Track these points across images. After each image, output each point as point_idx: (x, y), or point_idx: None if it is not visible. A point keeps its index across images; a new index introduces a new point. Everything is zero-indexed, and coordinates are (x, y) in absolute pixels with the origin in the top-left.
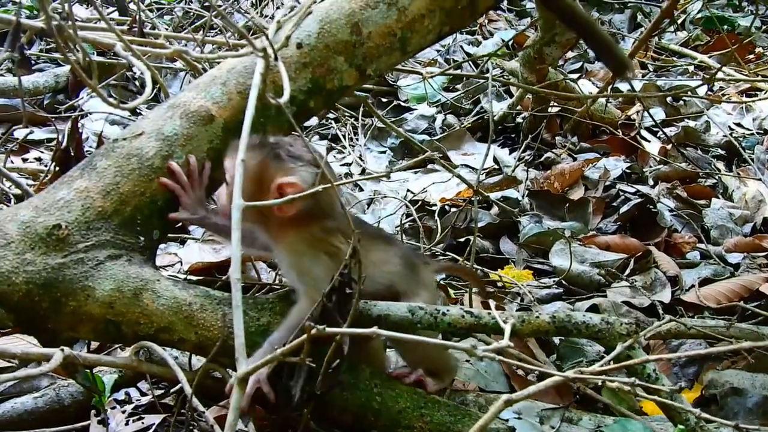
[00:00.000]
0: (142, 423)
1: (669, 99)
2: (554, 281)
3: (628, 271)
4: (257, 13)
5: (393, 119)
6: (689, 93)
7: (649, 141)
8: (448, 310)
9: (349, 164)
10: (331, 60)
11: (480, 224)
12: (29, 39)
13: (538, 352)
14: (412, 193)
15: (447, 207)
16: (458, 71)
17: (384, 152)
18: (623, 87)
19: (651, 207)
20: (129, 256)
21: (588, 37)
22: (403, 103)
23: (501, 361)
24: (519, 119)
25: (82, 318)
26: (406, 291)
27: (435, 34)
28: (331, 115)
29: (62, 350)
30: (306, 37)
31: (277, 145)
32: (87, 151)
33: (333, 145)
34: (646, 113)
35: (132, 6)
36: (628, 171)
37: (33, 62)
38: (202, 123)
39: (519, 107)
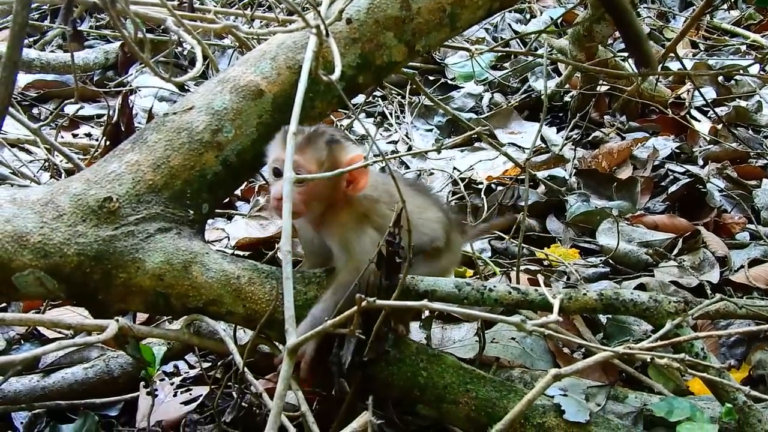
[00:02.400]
0: (190, 394)
1: (720, 78)
2: (601, 260)
3: (676, 251)
4: None
5: (440, 97)
6: (741, 72)
7: (699, 120)
8: (494, 287)
9: (395, 142)
10: (381, 35)
11: (521, 201)
12: (80, 15)
13: (584, 330)
14: (459, 171)
15: (493, 185)
16: (507, 49)
17: (430, 130)
18: (674, 66)
19: (700, 187)
20: (178, 229)
21: (622, 25)
22: (450, 81)
23: (548, 337)
24: (567, 98)
25: (133, 290)
26: (440, 248)
27: (485, 10)
28: (378, 93)
29: (116, 321)
30: (355, 12)
31: (325, 134)
32: (137, 126)
33: (379, 121)
34: (696, 92)
35: None
36: (677, 151)
37: (84, 38)
38: (251, 97)
39: (567, 86)
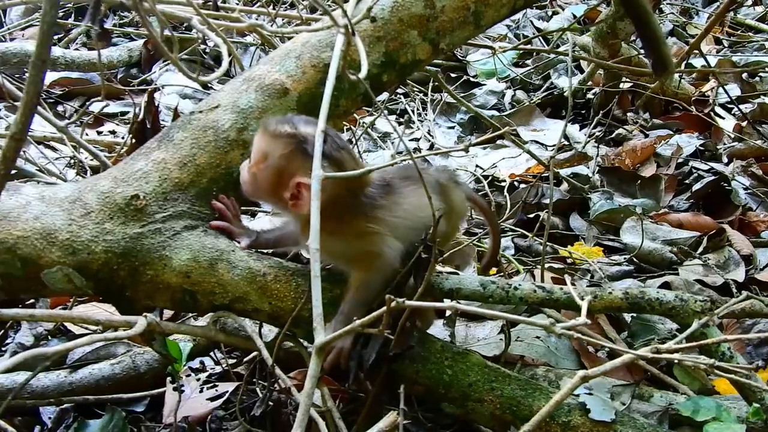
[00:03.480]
0: (216, 391)
1: (745, 75)
2: (625, 258)
3: (700, 250)
4: None
5: (462, 94)
6: (766, 69)
7: (723, 118)
8: (519, 285)
9: (417, 139)
10: (405, 34)
11: (546, 199)
12: (104, 14)
13: (608, 329)
14: (482, 168)
15: (516, 183)
16: (531, 47)
17: (452, 127)
18: (698, 63)
19: (725, 185)
20: (204, 227)
21: (641, 25)
22: (472, 78)
23: (573, 337)
24: (590, 95)
25: (159, 287)
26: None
27: (509, 8)
28: (400, 90)
29: (145, 317)
30: (380, 10)
31: (305, 140)
32: (162, 124)
33: (406, 120)
34: (720, 89)
35: None
36: (701, 148)
37: (111, 37)
38: (276, 96)
39: (590, 83)
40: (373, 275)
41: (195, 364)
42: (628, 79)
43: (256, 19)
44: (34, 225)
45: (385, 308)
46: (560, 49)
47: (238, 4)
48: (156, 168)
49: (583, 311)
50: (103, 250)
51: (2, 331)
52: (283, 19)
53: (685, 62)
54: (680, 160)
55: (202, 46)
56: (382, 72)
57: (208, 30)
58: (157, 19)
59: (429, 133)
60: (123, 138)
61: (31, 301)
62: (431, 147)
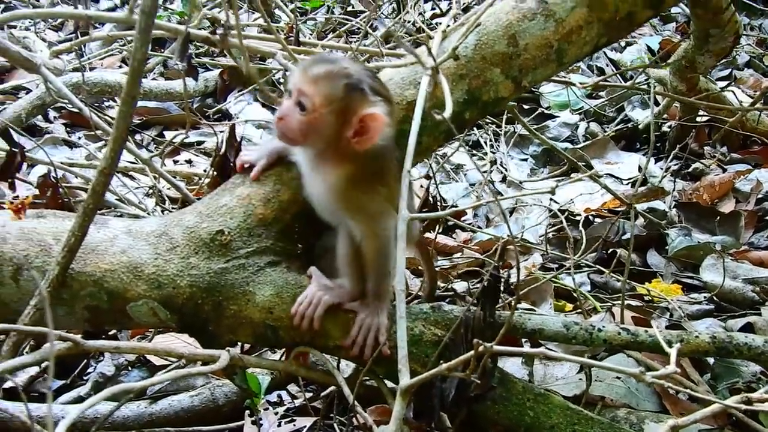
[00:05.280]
0: (294, 425)
1: None
2: (705, 297)
3: None
4: (399, 19)
5: (535, 126)
6: None
7: None
8: (603, 327)
9: (490, 171)
10: (488, 71)
11: (627, 236)
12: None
13: (691, 370)
14: (556, 202)
15: (591, 217)
16: (612, 84)
17: (525, 160)
18: None
19: None
20: (287, 263)
21: None
22: (545, 110)
23: (663, 385)
24: (665, 127)
25: (242, 322)
26: None
27: (592, 45)
28: None
29: (228, 351)
30: (463, 48)
31: (358, 79)
32: None
33: (474, 151)
34: None
35: (278, 12)
36: None
37: (197, 72)
38: None
39: (665, 116)
40: (386, 243)
41: (272, 397)
42: (705, 113)
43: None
44: (121, 258)
45: (472, 353)
46: (633, 81)
47: (311, 34)
48: (240, 204)
49: (672, 359)
50: (188, 284)
51: (84, 360)
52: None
53: (765, 96)
54: (760, 196)
55: (276, 76)
56: (465, 109)
57: (291, 65)
58: (242, 54)
59: (502, 165)
60: (199, 167)
61: (113, 331)
62: (504, 179)
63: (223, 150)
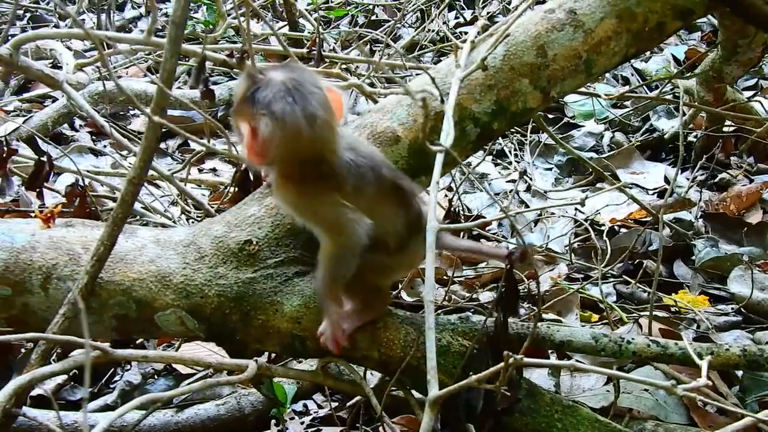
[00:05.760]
0: None
1: None
2: (732, 308)
3: None
4: (422, 29)
5: (560, 136)
6: None
7: None
8: (633, 339)
9: (514, 181)
10: (516, 82)
11: (653, 247)
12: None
13: (719, 383)
14: (582, 212)
15: (616, 228)
16: (639, 95)
17: (550, 169)
18: None
19: None
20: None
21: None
22: (570, 120)
23: (694, 398)
24: (691, 137)
25: (270, 332)
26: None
27: (621, 56)
28: None
29: (255, 361)
30: (491, 59)
31: (256, 82)
32: None
33: (498, 160)
34: None
35: (302, 21)
36: None
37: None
38: (388, 143)
39: (691, 125)
40: (341, 249)
41: (298, 406)
42: (731, 123)
43: (357, 67)
44: (150, 268)
45: (501, 365)
46: (660, 92)
47: (334, 43)
48: (269, 213)
49: (704, 372)
50: (216, 294)
51: (112, 369)
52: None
53: None
54: None
55: None
56: (493, 120)
57: None
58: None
59: (526, 174)
60: (224, 175)
61: (139, 340)
62: (528, 188)
63: (243, 165)
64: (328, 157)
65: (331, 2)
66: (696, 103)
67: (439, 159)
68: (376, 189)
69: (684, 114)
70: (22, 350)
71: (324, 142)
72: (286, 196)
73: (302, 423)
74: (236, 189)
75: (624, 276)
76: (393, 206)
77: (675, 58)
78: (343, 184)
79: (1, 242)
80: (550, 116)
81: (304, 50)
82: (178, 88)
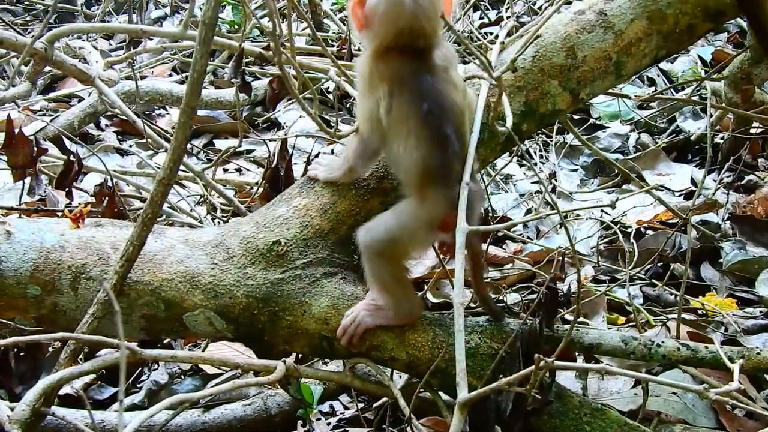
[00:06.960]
0: None
1: None
2: (761, 312)
3: None
4: (448, 29)
5: (585, 137)
6: None
7: None
8: (663, 342)
9: (539, 182)
10: (545, 84)
11: (680, 250)
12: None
13: (748, 386)
14: (608, 214)
15: (642, 230)
16: (669, 97)
17: (575, 170)
18: None
19: None
20: (344, 274)
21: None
22: (596, 121)
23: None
24: (717, 139)
25: (298, 332)
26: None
27: (651, 58)
28: None
29: (284, 362)
30: (521, 60)
31: None
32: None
33: (524, 162)
34: None
35: (327, 21)
36: None
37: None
38: None
39: (718, 127)
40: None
41: (325, 407)
42: (759, 125)
43: None
44: (178, 268)
45: (532, 367)
46: (690, 94)
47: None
48: (297, 214)
49: (735, 375)
50: (245, 294)
51: (138, 369)
52: None
53: None
54: None
55: (324, 85)
56: (522, 121)
57: (344, 83)
58: (295, 71)
59: (552, 176)
60: (249, 175)
61: (166, 340)
62: (553, 189)
63: (274, 164)
64: (425, 45)
65: None
66: (723, 105)
67: (470, 157)
68: (423, 122)
69: (711, 115)
70: (50, 349)
71: (424, 24)
72: (364, 67)
73: (329, 424)
74: (267, 186)
75: (651, 278)
76: (426, 146)
77: (701, 59)
78: (419, 85)
79: (31, 242)
80: (576, 117)
81: (335, 48)
82: (204, 88)
